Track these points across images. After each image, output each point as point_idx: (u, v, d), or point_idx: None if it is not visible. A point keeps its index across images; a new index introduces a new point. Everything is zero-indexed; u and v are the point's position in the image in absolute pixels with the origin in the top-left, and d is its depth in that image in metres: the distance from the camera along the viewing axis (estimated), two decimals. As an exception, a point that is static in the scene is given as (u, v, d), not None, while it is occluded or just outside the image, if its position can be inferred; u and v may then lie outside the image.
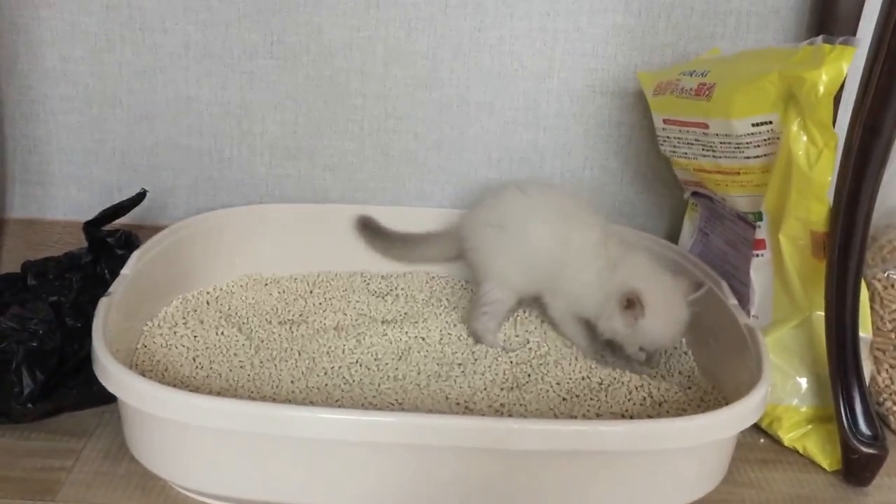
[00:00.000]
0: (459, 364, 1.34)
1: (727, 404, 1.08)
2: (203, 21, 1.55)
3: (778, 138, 1.25)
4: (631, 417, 1.24)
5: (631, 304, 1.28)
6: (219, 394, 1.23)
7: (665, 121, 1.44)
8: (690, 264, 1.46)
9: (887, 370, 1.36)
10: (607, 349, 1.40)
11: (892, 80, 1.07)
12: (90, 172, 1.65)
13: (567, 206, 1.43)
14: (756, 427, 1.32)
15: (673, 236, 1.63)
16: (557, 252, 1.38)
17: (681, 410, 1.26)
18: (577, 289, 1.37)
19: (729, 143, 1.31)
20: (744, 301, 1.37)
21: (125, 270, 1.31)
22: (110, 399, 1.18)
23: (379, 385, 1.28)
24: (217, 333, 1.37)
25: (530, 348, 1.38)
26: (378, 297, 1.55)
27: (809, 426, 1.29)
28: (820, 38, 1.20)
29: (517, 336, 1.44)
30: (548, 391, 1.28)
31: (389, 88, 1.60)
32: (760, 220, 1.33)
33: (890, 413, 1.36)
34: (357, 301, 1.52)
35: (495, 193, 1.49)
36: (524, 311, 1.51)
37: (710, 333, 1.35)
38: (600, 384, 1.30)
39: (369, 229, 1.60)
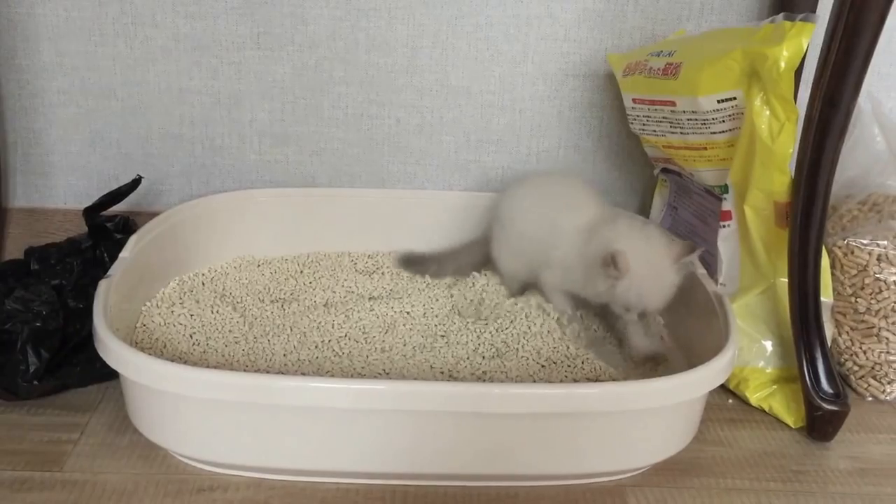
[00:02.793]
0: (443, 336, 1.35)
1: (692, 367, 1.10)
2: (192, 14, 1.55)
3: (742, 113, 1.25)
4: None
5: (609, 261, 1.24)
6: (215, 368, 1.23)
7: (634, 100, 1.44)
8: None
9: (847, 332, 1.37)
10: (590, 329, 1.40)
11: (849, 56, 1.08)
12: (88, 162, 1.64)
13: (559, 194, 1.44)
14: (724, 388, 1.33)
15: (644, 211, 1.64)
16: (544, 236, 1.38)
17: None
18: (564, 266, 1.36)
19: (696, 119, 1.31)
20: (712, 270, 1.38)
21: (124, 254, 1.31)
22: (112, 375, 1.19)
23: (367, 357, 1.29)
24: (212, 312, 1.38)
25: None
26: (365, 275, 1.55)
27: (775, 386, 1.31)
28: (781, 15, 1.20)
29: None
30: (527, 359, 1.28)
31: (371, 76, 1.60)
32: (726, 192, 1.34)
33: (850, 372, 1.37)
34: (345, 279, 1.53)
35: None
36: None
37: (680, 301, 1.36)
38: (577, 351, 1.31)
39: (411, 262, 1.59)
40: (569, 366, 1.28)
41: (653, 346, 1.34)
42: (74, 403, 1.25)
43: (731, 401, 1.33)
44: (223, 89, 1.60)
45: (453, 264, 1.57)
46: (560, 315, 1.39)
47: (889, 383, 1.35)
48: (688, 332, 1.35)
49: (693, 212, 1.49)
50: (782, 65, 1.17)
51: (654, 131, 1.42)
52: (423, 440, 1.06)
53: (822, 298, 1.23)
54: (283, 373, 1.24)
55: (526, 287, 1.48)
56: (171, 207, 1.50)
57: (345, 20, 1.56)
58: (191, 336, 1.31)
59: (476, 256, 1.56)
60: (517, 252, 1.46)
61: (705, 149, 1.34)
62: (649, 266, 1.26)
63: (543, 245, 1.39)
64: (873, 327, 1.34)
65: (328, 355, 1.29)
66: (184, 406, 1.06)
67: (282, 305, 1.43)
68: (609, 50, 1.59)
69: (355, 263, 1.60)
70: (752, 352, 1.32)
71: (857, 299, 1.35)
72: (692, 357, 1.29)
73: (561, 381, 1.25)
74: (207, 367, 1.23)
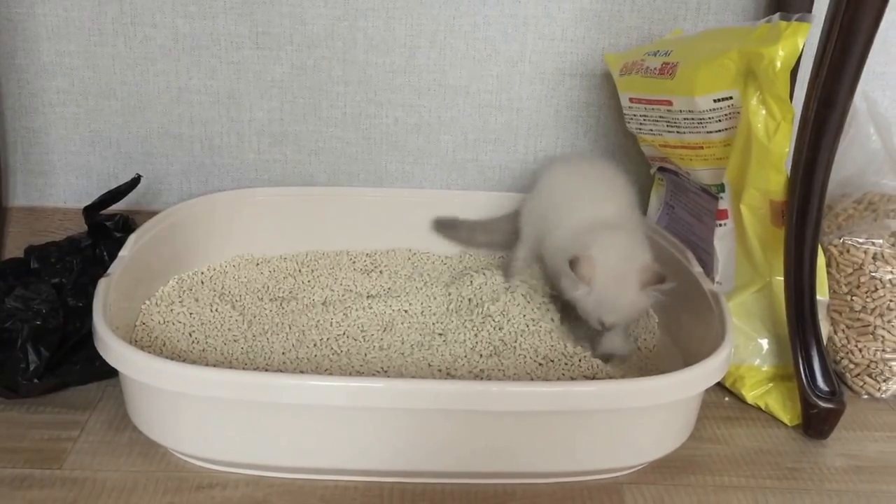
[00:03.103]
0: (440, 334, 1.35)
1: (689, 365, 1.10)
2: (191, 14, 1.55)
3: (738, 113, 1.26)
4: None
5: (574, 264, 1.23)
6: (214, 366, 1.23)
7: (631, 99, 1.44)
8: (658, 236, 1.46)
9: (843, 330, 1.37)
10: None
11: (845, 55, 1.08)
12: (88, 161, 1.64)
13: (593, 183, 1.44)
14: (721, 386, 1.33)
15: (641, 210, 1.64)
16: (554, 215, 1.40)
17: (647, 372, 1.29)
18: (549, 250, 1.37)
19: (692, 118, 1.31)
20: (708, 269, 1.38)
21: (123, 252, 1.31)
22: (112, 373, 1.20)
23: (365, 355, 1.29)
24: (212, 310, 1.38)
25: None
26: (363, 273, 1.56)
27: (771, 384, 1.31)
28: (777, 15, 1.20)
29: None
30: (525, 357, 1.28)
31: (370, 75, 1.60)
32: (723, 191, 1.34)
33: (846, 370, 1.38)
34: (343, 277, 1.53)
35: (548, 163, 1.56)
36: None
37: (676, 299, 1.36)
38: (574, 350, 1.31)
39: (444, 225, 1.62)
40: (566, 364, 1.28)
41: (612, 346, 1.34)
42: (74, 401, 1.25)
43: (727, 398, 1.34)
44: (222, 89, 1.60)
45: (485, 236, 1.59)
46: (576, 344, 1.34)
47: (885, 381, 1.35)
48: (684, 330, 1.36)
49: (689, 210, 1.49)
50: (778, 64, 1.17)
51: (651, 130, 1.43)
52: (421, 438, 1.06)
53: (818, 297, 1.23)
54: (281, 371, 1.24)
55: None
56: (170, 206, 1.51)
57: (343, 20, 1.56)
58: (190, 334, 1.31)
59: (508, 232, 1.57)
60: (538, 221, 1.46)
61: (702, 148, 1.34)
62: (613, 281, 1.24)
63: (548, 223, 1.40)
64: (869, 325, 1.35)
65: (327, 353, 1.29)
66: (183, 404, 1.06)
67: (280, 304, 1.43)
68: (606, 49, 1.59)
69: (354, 262, 1.60)
70: (748, 350, 1.32)
71: (853, 298, 1.35)
72: (688, 355, 1.29)
73: (558, 379, 1.25)
74: (206, 365, 1.23)
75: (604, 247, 1.26)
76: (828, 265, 1.36)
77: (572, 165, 1.52)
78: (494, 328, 1.35)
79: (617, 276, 1.25)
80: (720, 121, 1.29)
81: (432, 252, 1.65)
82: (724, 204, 1.34)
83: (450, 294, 1.46)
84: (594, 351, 1.32)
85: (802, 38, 1.16)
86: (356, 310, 1.39)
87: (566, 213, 1.38)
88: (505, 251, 1.60)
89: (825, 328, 1.29)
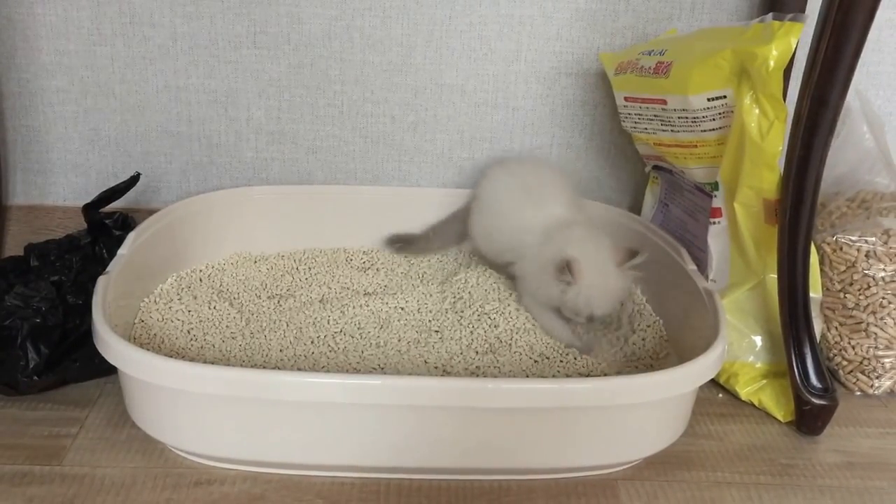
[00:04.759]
0: (437, 331, 1.35)
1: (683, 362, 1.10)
2: (189, 14, 1.54)
3: (732, 112, 1.26)
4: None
5: (563, 268, 1.26)
6: (212, 363, 1.23)
7: (626, 98, 1.44)
8: (653, 234, 1.46)
9: (836, 327, 1.37)
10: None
11: (838, 54, 1.08)
12: (87, 160, 1.64)
13: (535, 185, 1.45)
14: (714, 383, 1.34)
15: (636, 208, 1.64)
16: (515, 229, 1.41)
17: (646, 368, 1.29)
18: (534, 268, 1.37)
19: (686, 117, 1.31)
20: (702, 266, 1.38)
21: (122, 250, 1.31)
22: (111, 371, 1.20)
23: (362, 352, 1.29)
24: (210, 308, 1.38)
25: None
26: (360, 271, 1.55)
27: (764, 381, 1.31)
28: (770, 15, 1.20)
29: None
30: (520, 354, 1.28)
31: (367, 74, 1.60)
32: (717, 189, 1.34)
33: (839, 367, 1.38)
34: (340, 275, 1.53)
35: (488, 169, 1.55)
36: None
37: (671, 297, 1.36)
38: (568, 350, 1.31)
39: (399, 241, 1.62)
40: (561, 361, 1.28)
41: (579, 341, 1.34)
42: (73, 398, 1.25)
43: (721, 395, 1.34)
44: (220, 88, 1.60)
45: (439, 240, 1.61)
46: (568, 346, 1.33)
47: (877, 378, 1.35)
48: (678, 327, 1.35)
49: (684, 208, 1.49)
50: (771, 64, 1.17)
51: (646, 129, 1.43)
52: (418, 435, 1.06)
53: (811, 294, 1.23)
54: (279, 368, 1.24)
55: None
56: (168, 204, 1.50)
57: (340, 19, 1.56)
58: (188, 332, 1.31)
59: (459, 227, 1.58)
60: (490, 235, 1.49)
61: (696, 146, 1.34)
62: (598, 272, 1.28)
63: (515, 239, 1.41)
64: (861, 322, 1.35)
65: (324, 351, 1.29)
66: (181, 401, 1.06)
67: (278, 301, 1.43)
68: (601, 49, 1.59)
69: (350, 260, 1.60)
70: (741, 347, 1.33)
71: (846, 295, 1.35)
72: (683, 352, 1.29)
73: (553, 376, 1.25)
74: (205, 362, 1.23)
75: (578, 243, 1.30)
76: (821, 263, 1.36)
77: (510, 172, 1.51)
78: (490, 325, 1.35)
79: (597, 265, 1.29)
80: (714, 119, 1.29)
81: (427, 250, 1.64)
82: (718, 202, 1.34)
83: (444, 291, 1.46)
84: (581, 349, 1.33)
85: (795, 38, 1.16)
86: (353, 307, 1.39)
87: (520, 225, 1.40)
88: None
89: (818, 325, 1.29)
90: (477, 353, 1.29)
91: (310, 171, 1.67)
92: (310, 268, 1.56)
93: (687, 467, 1.17)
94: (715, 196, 1.34)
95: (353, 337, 1.33)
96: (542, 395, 1.04)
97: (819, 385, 1.21)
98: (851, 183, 1.42)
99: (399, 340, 1.32)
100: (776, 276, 1.24)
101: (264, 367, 1.24)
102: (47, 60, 1.57)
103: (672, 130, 1.36)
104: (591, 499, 1.10)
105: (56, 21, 1.54)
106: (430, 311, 1.41)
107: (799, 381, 1.21)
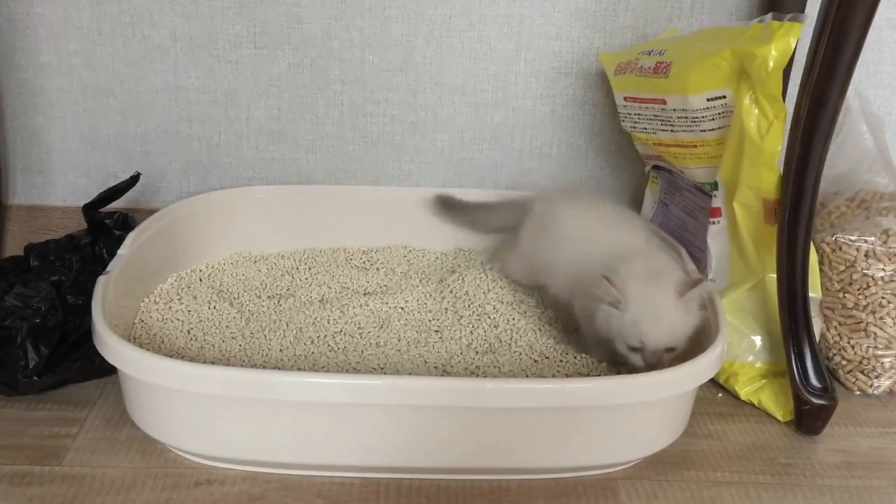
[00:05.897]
0: (436, 331, 1.34)
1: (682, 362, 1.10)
2: (189, 14, 1.54)
3: (731, 112, 1.25)
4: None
5: (606, 286, 1.17)
6: (212, 363, 1.23)
7: (626, 98, 1.44)
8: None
9: (836, 327, 1.37)
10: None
11: (837, 54, 1.08)
12: (87, 160, 1.64)
13: (615, 230, 1.36)
14: (714, 382, 1.33)
15: (635, 208, 1.64)
16: (582, 263, 1.32)
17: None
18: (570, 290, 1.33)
19: (686, 117, 1.31)
20: (702, 266, 1.38)
21: (122, 250, 1.31)
22: (111, 371, 1.20)
23: (362, 352, 1.29)
24: (210, 308, 1.37)
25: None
26: (360, 270, 1.55)
27: (764, 381, 1.31)
28: (769, 15, 1.20)
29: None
30: (520, 354, 1.28)
31: (367, 74, 1.60)
32: (716, 189, 1.34)
33: (838, 367, 1.37)
34: (340, 275, 1.52)
35: (553, 195, 1.50)
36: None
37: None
38: (569, 347, 1.31)
39: (447, 204, 1.61)
40: (561, 361, 1.28)
41: None
42: (73, 398, 1.25)
43: (720, 395, 1.33)
44: (220, 88, 1.60)
45: (486, 224, 1.61)
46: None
47: (876, 377, 1.35)
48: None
49: (683, 208, 1.49)
50: (771, 64, 1.17)
51: (645, 129, 1.42)
52: (418, 434, 1.06)
53: (811, 294, 1.23)
54: (279, 368, 1.24)
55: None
56: (168, 204, 1.50)
57: (340, 19, 1.56)
58: (188, 332, 1.31)
59: (511, 220, 1.53)
60: (530, 261, 1.44)
61: (695, 146, 1.34)
62: (648, 295, 1.17)
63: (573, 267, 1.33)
64: (861, 322, 1.34)
65: (324, 350, 1.29)
66: (181, 401, 1.06)
67: (278, 301, 1.43)
68: (601, 49, 1.58)
69: (350, 259, 1.60)
70: (741, 347, 1.32)
71: (845, 295, 1.35)
72: (682, 352, 1.28)
73: (553, 375, 1.25)
74: (205, 362, 1.23)
75: (626, 265, 1.21)
76: (820, 262, 1.36)
77: (587, 210, 1.42)
78: (490, 325, 1.35)
79: (648, 287, 1.18)
80: (713, 119, 1.29)
81: (428, 249, 1.64)
82: (717, 202, 1.34)
83: (444, 291, 1.46)
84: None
85: (795, 38, 1.16)
86: (353, 307, 1.39)
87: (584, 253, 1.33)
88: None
89: (818, 325, 1.28)
90: (477, 353, 1.29)
91: (310, 171, 1.67)
92: (310, 268, 1.56)
93: (686, 467, 1.17)
94: (714, 196, 1.34)
95: (352, 337, 1.32)
96: (542, 395, 1.04)
97: (818, 385, 1.21)
98: (851, 183, 1.42)
99: (399, 340, 1.32)
100: (776, 275, 1.24)
101: (264, 367, 1.24)
102: (47, 61, 1.57)
103: (672, 130, 1.36)
104: (590, 499, 1.10)
105: (56, 21, 1.54)
106: (430, 311, 1.41)
107: (798, 380, 1.21)
